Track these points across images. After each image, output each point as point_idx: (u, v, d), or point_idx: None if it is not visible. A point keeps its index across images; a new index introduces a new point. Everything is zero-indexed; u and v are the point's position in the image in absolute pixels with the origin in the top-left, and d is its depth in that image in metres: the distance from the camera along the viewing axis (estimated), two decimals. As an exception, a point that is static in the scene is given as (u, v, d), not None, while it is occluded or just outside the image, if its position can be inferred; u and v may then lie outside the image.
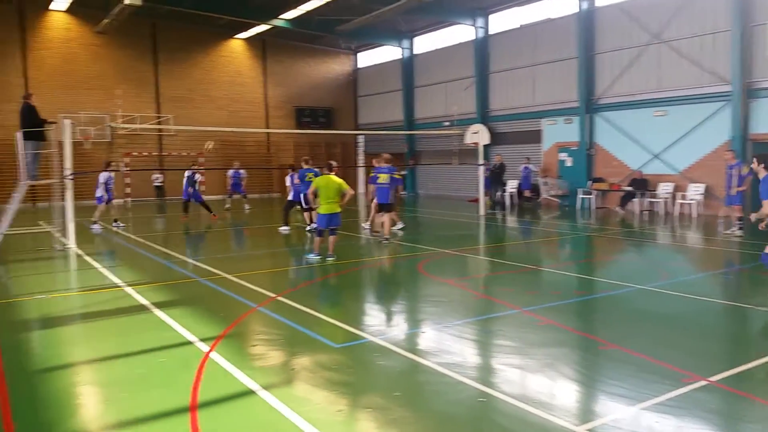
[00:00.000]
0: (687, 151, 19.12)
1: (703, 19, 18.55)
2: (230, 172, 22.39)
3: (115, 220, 16.80)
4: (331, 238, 10.79)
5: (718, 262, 11.39)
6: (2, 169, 24.21)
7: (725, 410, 4.44)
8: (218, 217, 18.78)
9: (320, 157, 30.95)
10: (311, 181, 13.18)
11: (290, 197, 15.72)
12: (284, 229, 15.07)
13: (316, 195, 10.71)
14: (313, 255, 10.70)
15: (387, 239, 12.76)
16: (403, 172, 31.26)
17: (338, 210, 10.63)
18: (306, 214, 15.15)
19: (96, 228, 15.97)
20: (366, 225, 14.86)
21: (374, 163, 13.83)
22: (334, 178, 10.59)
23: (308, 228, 14.67)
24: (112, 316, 7.33)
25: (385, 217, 12.90)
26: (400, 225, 15.07)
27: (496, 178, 22.16)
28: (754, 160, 8.23)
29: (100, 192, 16.21)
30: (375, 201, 13.57)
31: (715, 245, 12.98)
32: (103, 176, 16.21)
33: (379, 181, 12.99)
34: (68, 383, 5.10)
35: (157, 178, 27.77)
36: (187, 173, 18.74)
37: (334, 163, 10.94)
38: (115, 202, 17.09)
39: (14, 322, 7.12)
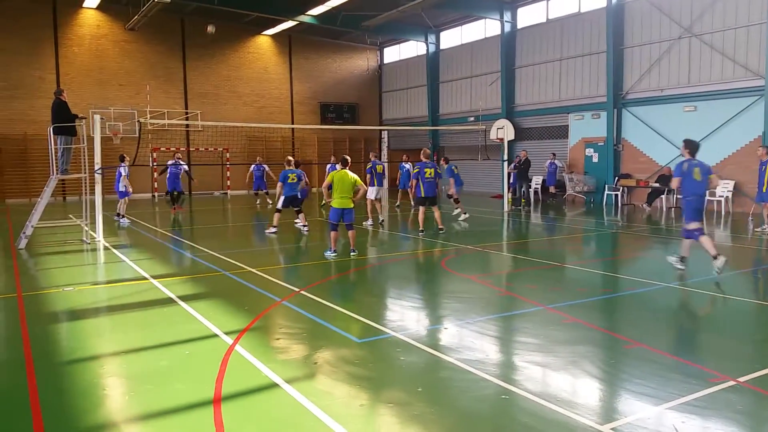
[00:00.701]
0: (717, 148, 18.72)
1: (736, 11, 18.14)
2: (252, 167, 22.50)
3: (122, 216, 16.71)
4: (351, 234, 10.82)
5: (748, 260, 11.15)
6: (35, 163, 24.76)
7: (754, 411, 4.34)
8: (177, 211, 19.09)
9: (343, 152, 31.09)
10: (294, 182, 13.85)
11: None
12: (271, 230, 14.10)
13: (330, 188, 10.73)
14: (329, 252, 10.72)
15: (441, 229, 13.77)
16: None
17: (351, 205, 10.65)
18: (277, 216, 14.10)
19: (124, 221, 16.24)
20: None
21: (402, 158, 14.21)
22: (350, 173, 10.62)
23: (273, 230, 13.91)
24: (138, 308, 7.45)
25: (436, 209, 13.99)
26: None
27: (521, 174, 21.99)
28: None
29: (122, 186, 16.40)
30: (369, 196, 14.96)
31: (745, 243, 12.71)
32: (123, 169, 16.38)
33: (426, 176, 13.64)
34: (94, 374, 5.19)
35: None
36: (171, 166, 18.92)
37: (348, 158, 10.97)
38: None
39: (42, 313, 7.27)
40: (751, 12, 17.75)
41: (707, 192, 9.32)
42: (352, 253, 10.70)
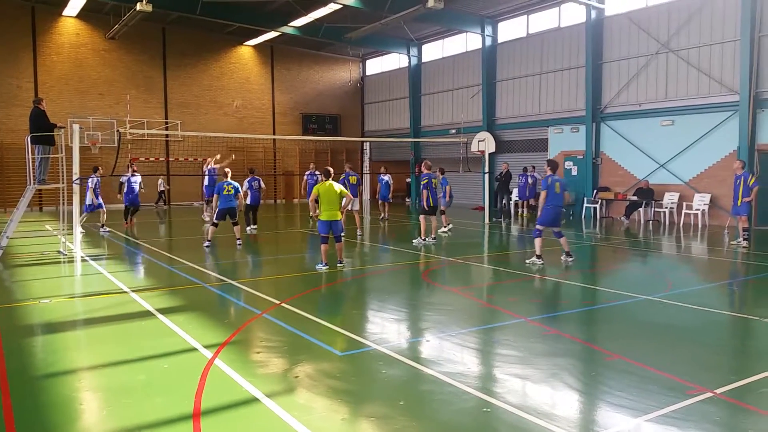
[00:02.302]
0: (693, 161, 19.08)
1: (711, 28, 18.55)
2: (305, 176, 21.14)
3: (102, 226, 16.59)
4: (338, 246, 10.79)
5: (724, 272, 11.33)
6: (11, 173, 24.39)
7: (730, 423, 4.40)
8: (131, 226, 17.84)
9: (325, 163, 31.10)
10: (230, 194, 13.44)
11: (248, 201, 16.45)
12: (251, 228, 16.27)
13: (317, 202, 10.71)
14: (321, 265, 10.65)
15: (434, 238, 14.33)
16: (407, 180, 31.40)
17: (339, 217, 10.61)
18: (212, 229, 13.72)
19: (104, 231, 16.07)
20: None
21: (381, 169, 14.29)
22: (335, 184, 10.60)
23: (207, 244, 13.42)
24: (115, 321, 7.34)
25: (434, 219, 14.59)
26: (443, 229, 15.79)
27: (502, 186, 22.14)
28: None
29: (88, 199, 16.13)
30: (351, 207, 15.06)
31: (721, 256, 12.91)
32: (91, 181, 16.12)
33: (434, 186, 14.31)
34: (71, 389, 5.11)
35: (161, 183, 27.87)
36: (122, 178, 17.63)
37: (330, 170, 10.99)
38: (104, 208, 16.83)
39: (18, 326, 7.14)
40: (725, 29, 18.16)
41: (563, 203, 11.37)
42: (338, 265, 10.69)
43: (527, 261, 11.26)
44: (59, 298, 8.62)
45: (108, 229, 16.51)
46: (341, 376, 5.30)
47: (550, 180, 11.05)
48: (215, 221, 13.60)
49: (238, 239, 13.78)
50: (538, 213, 11.46)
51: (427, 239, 14.11)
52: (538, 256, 11.07)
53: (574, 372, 5.44)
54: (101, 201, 16.56)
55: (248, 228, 16.59)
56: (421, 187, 14.48)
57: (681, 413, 4.44)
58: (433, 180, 14.31)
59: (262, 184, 17.16)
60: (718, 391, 4.85)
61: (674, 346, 6.22)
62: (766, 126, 17.36)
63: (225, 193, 13.44)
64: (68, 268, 11.36)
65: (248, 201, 16.65)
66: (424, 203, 14.21)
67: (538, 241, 11.17)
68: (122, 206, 17.87)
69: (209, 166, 19.42)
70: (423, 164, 14.72)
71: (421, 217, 14.48)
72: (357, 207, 16.28)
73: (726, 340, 6.84)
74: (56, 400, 4.82)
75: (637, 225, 18.95)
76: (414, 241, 14.16)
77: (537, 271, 10.59)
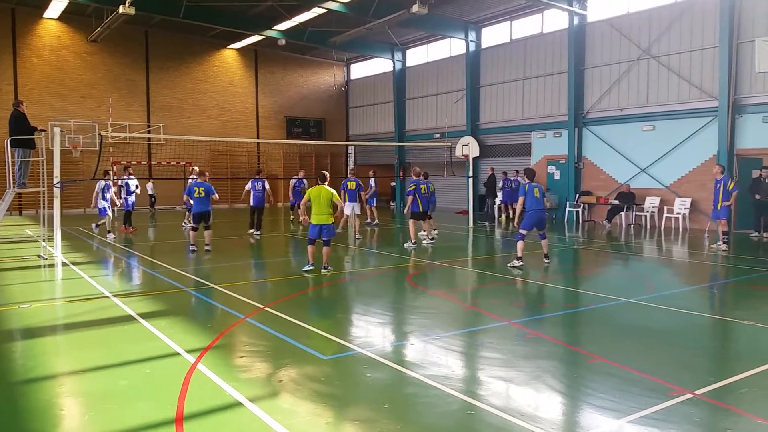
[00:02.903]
0: (674, 166, 19.33)
1: (691, 35, 18.83)
2: (292, 181, 20.38)
3: (109, 231, 16.27)
4: (325, 250, 10.76)
5: (704, 275, 11.48)
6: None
7: (710, 423, 4.46)
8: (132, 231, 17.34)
9: (309, 167, 31.08)
10: (201, 197, 12.74)
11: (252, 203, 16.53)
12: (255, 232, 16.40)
13: (308, 206, 10.70)
14: (308, 266, 10.68)
15: (433, 238, 14.91)
16: (392, 183, 31.44)
17: (330, 221, 10.60)
18: (192, 233, 13.39)
19: (110, 236, 15.79)
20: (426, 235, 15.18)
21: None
22: (327, 188, 10.58)
23: (192, 248, 13.18)
24: (97, 326, 7.27)
25: (428, 222, 14.96)
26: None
27: (489, 190, 22.21)
28: None
29: (101, 203, 15.87)
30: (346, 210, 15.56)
31: (701, 259, 13.08)
32: (99, 185, 15.90)
33: (422, 192, 14.48)
34: (51, 395, 5.04)
35: (151, 187, 27.60)
36: (120, 182, 17.34)
37: (326, 174, 10.96)
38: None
39: (-2, 331, 7.03)
40: (704, 36, 18.45)
41: (545, 207, 11.71)
42: (323, 270, 10.65)
43: (509, 264, 11.42)
44: (39, 302, 8.51)
45: (114, 235, 16.01)
46: (325, 379, 5.29)
47: (527, 186, 11.42)
48: (194, 225, 13.27)
49: (207, 244, 13.19)
50: (516, 219, 11.70)
51: (417, 243, 14.28)
52: (518, 258, 11.26)
53: (557, 374, 5.48)
54: (108, 205, 16.11)
55: (251, 232, 16.38)
56: (407, 193, 14.57)
57: (662, 414, 4.49)
58: (421, 186, 14.40)
59: (267, 186, 16.69)
60: (699, 392, 4.91)
61: (655, 349, 6.29)
62: (745, 131, 17.64)
63: (196, 195, 12.85)
64: (49, 272, 11.21)
65: (252, 203, 16.43)
66: (408, 208, 14.29)
67: (519, 245, 11.37)
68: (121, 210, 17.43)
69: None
70: (412, 170, 14.86)
71: (410, 222, 14.56)
72: (358, 212, 16.25)
73: (706, 342, 6.93)
74: (36, 406, 4.76)
75: (618, 229, 19.14)
76: (406, 244, 14.26)
77: (518, 274, 10.67)
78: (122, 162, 26.68)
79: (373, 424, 4.36)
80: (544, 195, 11.59)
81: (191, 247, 13.20)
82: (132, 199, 17.07)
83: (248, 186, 16.66)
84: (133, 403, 4.77)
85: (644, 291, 9.32)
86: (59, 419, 4.56)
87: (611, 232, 18.35)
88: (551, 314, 8.00)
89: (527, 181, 11.60)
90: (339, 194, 15.47)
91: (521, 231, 11.50)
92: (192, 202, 13.41)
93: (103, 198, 15.93)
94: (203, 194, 12.90)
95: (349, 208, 15.81)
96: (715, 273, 11.59)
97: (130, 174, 17.28)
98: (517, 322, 7.27)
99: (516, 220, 11.73)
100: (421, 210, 14.41)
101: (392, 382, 5.28)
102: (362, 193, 16.44)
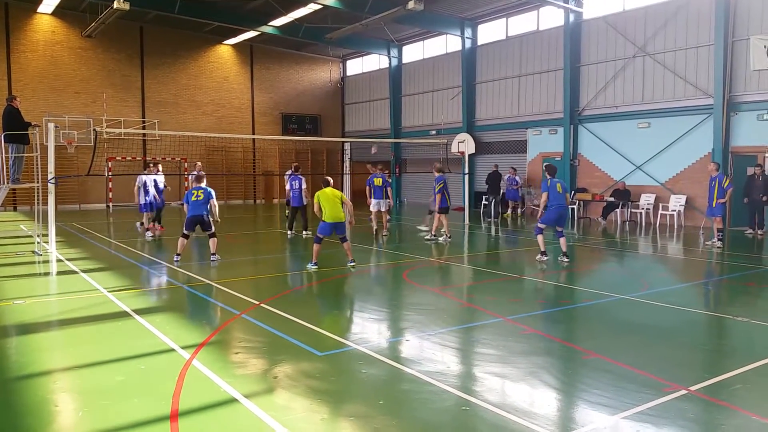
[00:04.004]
0: (669, 163, 19.37)
1: (687, 33, 18.85)
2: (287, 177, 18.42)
3: (147, 228, 15.87)
4: (346, 245, 11.04)
5: (699, 272, 11.52)
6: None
7: (704, 419, 4.48)
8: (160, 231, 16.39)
9: (305, 163, 31.03)
10: (198, 200, 11.46)
11: (293, 203, 15.93)
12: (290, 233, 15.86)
13: (321, 209, 10.73)
14: (311, 264, 10.74)
15: (450, 236, 14.94)
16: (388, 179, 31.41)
17: (343, 219, 10.74)
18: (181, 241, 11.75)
19: (147, 234, 15.60)
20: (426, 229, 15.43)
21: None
22: (333, 190, 10.81)
23: (177, 257, 11.59)
24: (91, 322, 7.24)
25: (444, 218, 14.93)
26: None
27: (492, 187, 22.11)
28: None
29: (142, 198, 15.59)
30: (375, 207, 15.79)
31: (696, 256, 13.13)
32: (139, 180, 15.66)
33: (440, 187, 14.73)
34: (46, 390, 5.03)
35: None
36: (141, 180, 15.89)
37: (330, 179, 11.10)
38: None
39: (-8, 327, 7.00)
40: (700, 34, 18.48)
41: (567, 202, 11.69)
42: (350, 264, 10.90)
43: (537, 258, 11.63)
44: (34, 298, 8.47)
45: (152, 234, 15.62)
46: (321, 376, 5.29)
47: (550, 182, 11.37)
48: (185, 232, 11.62)
49: (213, 254, 11.72)
50: (539, 214, 11.78)
51: (437, 236, 14.86)
52: (543, 253, 11.46)
53: (552, 370, 5.49)
54: (153, 199, 15.74)
55: (290, 233, 15.83)
56: (437, 190, 14.65)
57: (657, 410, 4.50)
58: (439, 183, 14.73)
59: (304, 184, 15.80)
60: (693, 388, 4.93)
61: (650, 345, 6.31)
62: (740, 129, 17.70)
63: (194, 199, 11.51)
64: (43, 268, 11.17)
65: (291, 203, 15.85)
66: (437, 204, 14.65)
67: (539, 238, 11.54)
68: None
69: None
70: (433, 167, 15.17)
71: (442, 216, 14.83)
72: (385, 208, 16.05)
73: (701, 338, 6.95)
74: (30, 402, 4.75)
75: (614, 225, 19.18)
76: (439, 238, 14.80)
77: (543, 268, 10.88)
78: (157, 158, 26.62)
79: (368, 420, 4.36)
80: (566, 190, 11.64)
81: (176, 258, 11.49)
82: (142, 200, 15.86)
83: (287, 185, 16.01)
84: (128, 399, 4.76)
85: (639, 287, 9.35)
86: (54, 416, 4.55)
87: (606, 229, 18.39)
88: (547, 310, 8.02)
89: (549, 177, 11.58)
90: (366, 190, 16.15)
91: (539, 225, 11.62)
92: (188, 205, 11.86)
93: (146, 193, 15.60)
94: (201, 197, 11.60)
95: (376, 205, 15.87)
96: (709, 270, 11.63)
97: (158, 171, 16.44)
98: (512, 318, 7.28)
99: (539, 214, 11.84)
100: (449, 205, 14.91)
101: (388, 379, 5.28)
102: (389, 189, 16.09)
